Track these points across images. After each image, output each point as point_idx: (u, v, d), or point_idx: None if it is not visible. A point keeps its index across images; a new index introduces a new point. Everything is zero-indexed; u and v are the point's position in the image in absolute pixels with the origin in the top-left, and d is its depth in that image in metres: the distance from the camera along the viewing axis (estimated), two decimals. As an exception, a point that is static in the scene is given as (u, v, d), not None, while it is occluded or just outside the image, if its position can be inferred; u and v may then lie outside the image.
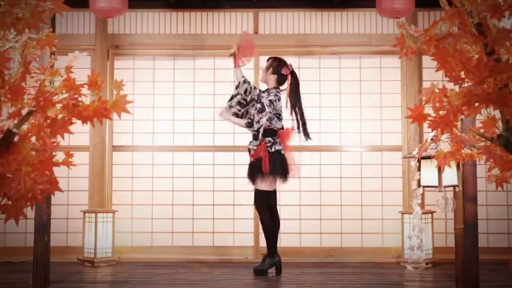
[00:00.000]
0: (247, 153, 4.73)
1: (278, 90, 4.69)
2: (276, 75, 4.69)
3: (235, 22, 5.75)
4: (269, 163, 4.46)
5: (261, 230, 4.80)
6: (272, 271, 4.56)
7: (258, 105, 4.58)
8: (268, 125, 4.56)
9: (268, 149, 4.50)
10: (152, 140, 5.71)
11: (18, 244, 5.44)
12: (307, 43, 5.70)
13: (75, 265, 5.06)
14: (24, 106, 2.09)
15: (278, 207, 5.57)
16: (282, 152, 4.55)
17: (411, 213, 4.92)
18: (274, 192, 4.64)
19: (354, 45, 5.69)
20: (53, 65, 2.91)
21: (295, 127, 4.62)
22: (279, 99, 4.65)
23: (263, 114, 4.56)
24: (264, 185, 4.54)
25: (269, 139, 4.54)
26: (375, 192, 5.57)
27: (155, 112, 5.73)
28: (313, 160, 5.61)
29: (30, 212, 2.23)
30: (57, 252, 4.84)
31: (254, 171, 4.56)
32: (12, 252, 5.36)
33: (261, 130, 4.53)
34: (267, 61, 4.81)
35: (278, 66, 4.70)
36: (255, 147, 4.56)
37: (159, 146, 5.70)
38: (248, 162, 4.71)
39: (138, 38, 5.73)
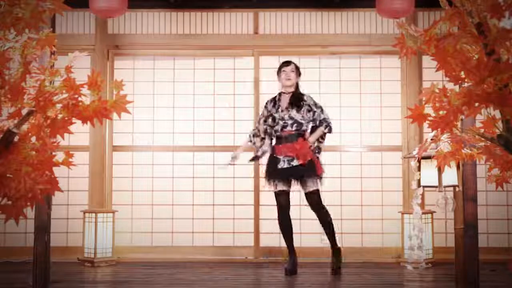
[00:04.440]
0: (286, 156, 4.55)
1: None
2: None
3: (235, 22, 5.75)
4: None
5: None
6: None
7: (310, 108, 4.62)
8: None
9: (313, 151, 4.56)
10: (152, 140, 5.71)
11: (18, 244, 5.44)
12: (307, 43, 5.70)
13: (75, 265, 5.06)
14: (24, 106, 2.09)
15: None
16: None
17: (411, 213, 4.93)
18: None
19: (354, 45, 5.69)
20: (53, 65, 2.91)
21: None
22: None
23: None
24: (316, 185, 4.54)
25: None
26: (375, 192, 5.57)
27: (155, 112, 5.72)
28: (313, 160, 5.61)
29: (30, 212, 2.24)
30: (57, 252, 4.84)
31: (308, 173, 4.49)
32: (12, 252, 5.36)
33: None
34: (289, 64, 4.70)
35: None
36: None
37: (159, 146, 5.69)
38: (284, 166, 4.53)
39: (138, 38, 5.73)
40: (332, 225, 4.64)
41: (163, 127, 5.71)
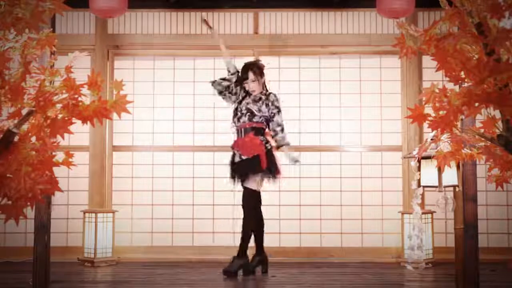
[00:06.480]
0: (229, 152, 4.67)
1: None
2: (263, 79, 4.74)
3: (235, 22, 5.75)
4: (267, 161, 4.45)
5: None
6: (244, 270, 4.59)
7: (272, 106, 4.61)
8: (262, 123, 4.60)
9: (265, 146, 4.51)
10: (152, 140, 5.70)
11: (18, 244, 5.43)
12: (307, 43, 5.70)
13: (75, 265, 5.06)
14: (24, 106, 2.09)
15: (278, 207, 5.58)
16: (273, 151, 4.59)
17: (411, 213, 4.92)
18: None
19: (354, 45, 5.69)
20: (53, 65, 2.90)
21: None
22: None
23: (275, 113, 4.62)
24: (255, 184, 4.51)
25: (262, 137, 4.54)
26: (375, 192, 5.57)
27: (155, 112, 5.72)
28: (313, 160, 5.61)
29: (30, 212, 2.24)
30: (57, 252, 4.83)
31: (248, 169, 4.48)
32: (12, 252, 5.36)
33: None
34: (247, 77, 4.64)
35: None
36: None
37: (159, 146, 5.69)
38: (234, 161, 4.60)
39: (138, 38, 5.73)
40: (261, 232, 4.62)
41: (163, 127, 5.71)
